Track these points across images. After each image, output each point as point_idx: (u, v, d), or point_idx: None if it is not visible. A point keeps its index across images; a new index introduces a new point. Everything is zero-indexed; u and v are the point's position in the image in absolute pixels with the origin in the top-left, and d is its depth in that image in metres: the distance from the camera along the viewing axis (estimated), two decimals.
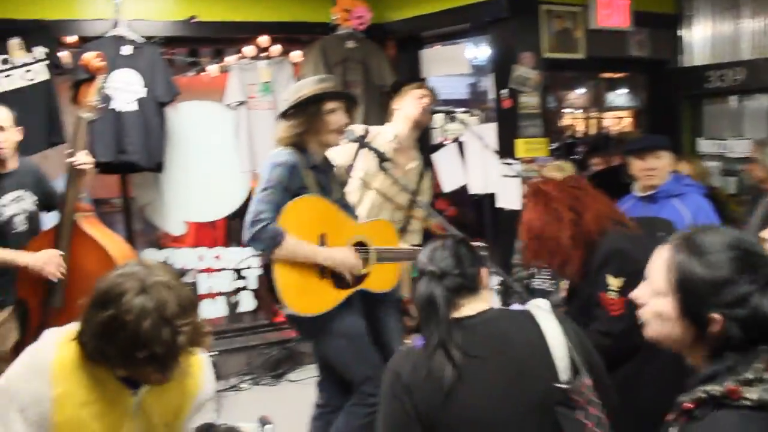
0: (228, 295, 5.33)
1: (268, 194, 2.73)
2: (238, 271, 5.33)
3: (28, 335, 3.35)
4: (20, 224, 3.44)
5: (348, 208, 3.09)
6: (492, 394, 1.68)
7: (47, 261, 3.20)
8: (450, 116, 3.51)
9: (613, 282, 2.30)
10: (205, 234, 5.37)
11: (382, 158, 3.09)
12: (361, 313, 3.02)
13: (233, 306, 5.39)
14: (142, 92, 4.46)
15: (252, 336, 5.23)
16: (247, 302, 5.43)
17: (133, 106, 4.44)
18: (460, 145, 4.84)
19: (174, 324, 1.58)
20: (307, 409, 3.25)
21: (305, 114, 2.86)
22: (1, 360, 3.41)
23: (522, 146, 4.50)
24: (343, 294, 2.89)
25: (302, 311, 2.79)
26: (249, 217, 2.73)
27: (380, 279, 3.03)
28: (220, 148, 5.05)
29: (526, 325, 1.76)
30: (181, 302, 1.61)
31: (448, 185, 4.89)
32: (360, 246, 2.96)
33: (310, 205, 2.85)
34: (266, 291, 2.82)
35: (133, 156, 4.42)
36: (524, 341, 1.73)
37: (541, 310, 1.80)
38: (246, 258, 5.30)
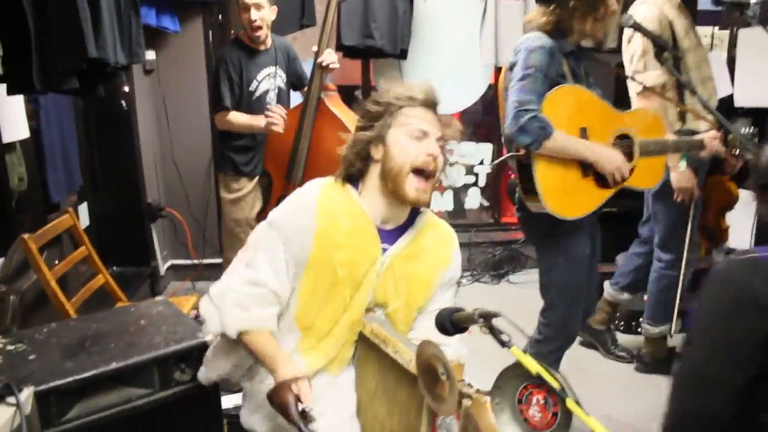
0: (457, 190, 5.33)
1: (528, 82, 2.47)
2: (470, 167, 5.29)
3: (269, 205, 3.59)
4: (272, 100, 3.62)
5: (604, 97, 2.74)
6: None
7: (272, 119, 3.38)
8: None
9: None
10: None
11: (661, 47, 2.72)
12: (591, 236, 2.78)
13: (460, 202, 5.38)
14: None
15: (476, 233, 5.20)
16: (474, 199, 5.38)
17: None
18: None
19: None
20: (525, 311, 3.12)
21: None
22: (248, 226, 3.70)
23: None
24: (607, 194, 2.62)
25: (563, 213, 2.53)
26: (512, 108, 2.47)
27: (645, 175, 2.72)
28: (463, 38, 4.90)
29: None
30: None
31: None
32: (622, 139, 2.67)
33: (570, 96, 2.56)
34: (523, 193, 2.58)
35: (379, 41, 4.42)
36: None
37: None
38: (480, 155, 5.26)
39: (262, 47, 3.56)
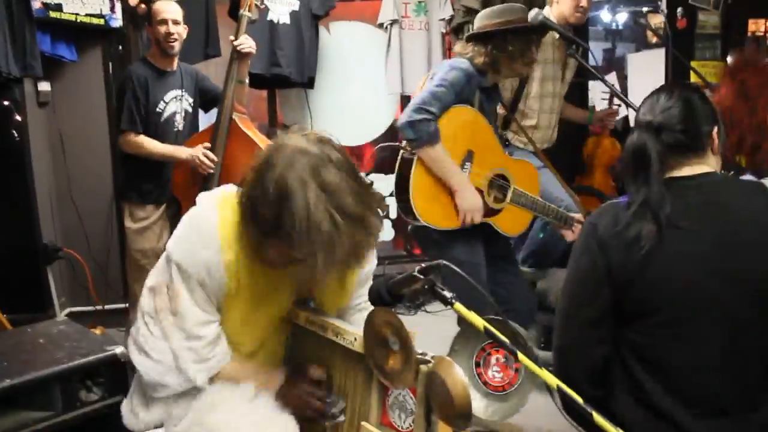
0: None
1: (440, 91, 2.60)
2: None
3: None
4: (179, 123, 3.50)
5: (500, 140, 2.95)
6: (696, 265, 1.47)
7: (201, 155, 3.25)
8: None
9: None
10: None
11: (570, 42, 2.88)
12: (483, 245, 2.87)
13: None
14: (296, 4, 4.39)
15: (390, 265, 5.12)
16: (386, 232, 5.33)
17: (287, 19, 4.38)
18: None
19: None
20: (442, 340, 3.08)
21: (522, 41, 2.71)
22: (155, 257, 3.48)
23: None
24: None
25: (426, 219, 2.66)
26: (414, 101, 2.59)
27: (510, 220, 2.86)
28: (369, 69, 4.92)
29: (755, 198, 1.52)
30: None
31: None
32: (501, 179, 2.81)
33: (470, 117, 2.72)
34: (396, 190, 2.75)
35: (286, 69, 4.37)
36: (748, 214, 1.50)
37: None
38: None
39: (169, 68, 3.45)
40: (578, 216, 2.94)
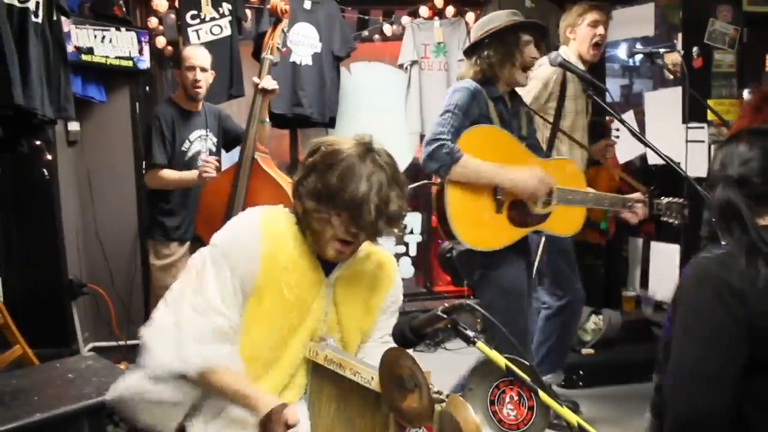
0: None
1: (446, 117, 2.59)
2: (399, 236, 5.30)
3: None
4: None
5: (534, 147, 2.87)
6: None
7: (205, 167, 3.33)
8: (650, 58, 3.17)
9: None
10: None
11: (588, 83, 2.88)
12: (526, 267, 2.84)
13: None
14: (318, 47, 4.51)
15: (409, 303, 5.15)
16: (405, 269, 5.37)
17: (309, 60, 4.50)
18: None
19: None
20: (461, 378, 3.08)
21: (501, 44, 2.69)
22: None
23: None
24: (519, 233, 2.68)
25: (471, 243, 2.59)
26: (426, 137, 2.61)
27: (562, 221, 2.78)
28: (389, 109, 5.02)
29: None
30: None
31: (623, 155, 4.56)
32: None
33: (488, 135, 2.66)
34: (438, 222, 2.66)
35: (308, 109, 4.47)
36: None
37: None
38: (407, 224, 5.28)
39: (194, 109, 3.54)
40: (636, 195, 2.88)
